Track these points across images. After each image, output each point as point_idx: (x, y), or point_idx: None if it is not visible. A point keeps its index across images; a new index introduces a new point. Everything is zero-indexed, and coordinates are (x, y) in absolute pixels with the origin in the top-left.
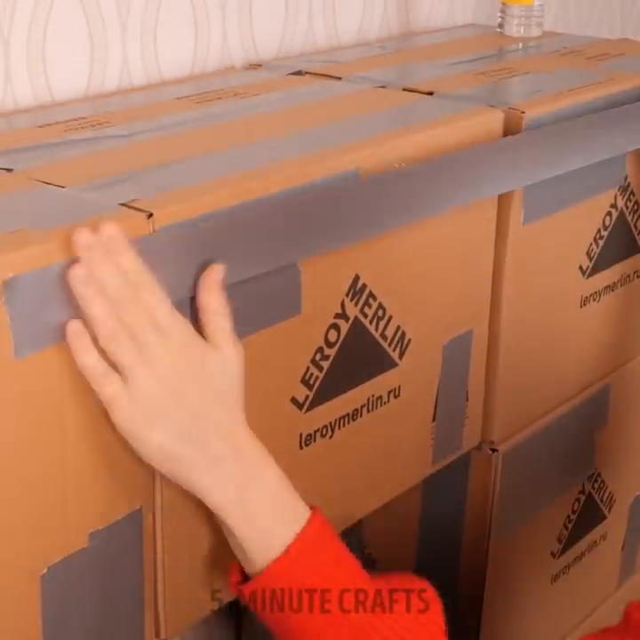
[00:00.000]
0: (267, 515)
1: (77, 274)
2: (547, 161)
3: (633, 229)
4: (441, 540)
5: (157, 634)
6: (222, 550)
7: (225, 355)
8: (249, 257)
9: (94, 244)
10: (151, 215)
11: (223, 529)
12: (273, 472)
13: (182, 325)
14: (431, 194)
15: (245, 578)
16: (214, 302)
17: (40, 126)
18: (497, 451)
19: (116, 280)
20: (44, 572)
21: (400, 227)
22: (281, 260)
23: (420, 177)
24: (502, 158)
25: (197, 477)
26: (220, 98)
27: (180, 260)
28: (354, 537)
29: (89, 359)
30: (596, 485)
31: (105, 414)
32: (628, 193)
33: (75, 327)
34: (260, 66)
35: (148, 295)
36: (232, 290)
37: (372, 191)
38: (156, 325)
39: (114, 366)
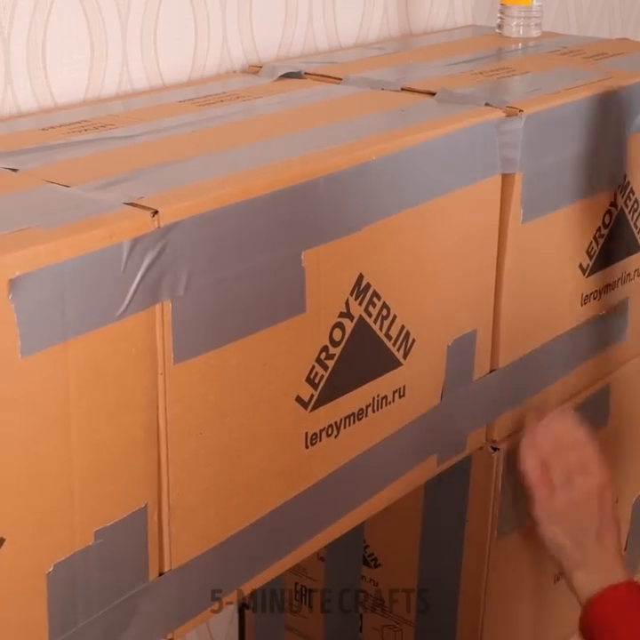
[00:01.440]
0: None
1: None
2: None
3: (633, 228)
4: (443, 539)
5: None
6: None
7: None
8: (254, 247)
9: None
10: (156, 212)
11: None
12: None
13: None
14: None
15: None
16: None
17: (43, 129)
18: (498, 449)
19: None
20: (50, 569)
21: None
22: (285, 250)
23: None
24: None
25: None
26: (222, 101)
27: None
28: (355, 536)
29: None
30: None
31: (109, 412)
32: (627, 191)
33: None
34: (261, 67)
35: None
36: (236, 287)
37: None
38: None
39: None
